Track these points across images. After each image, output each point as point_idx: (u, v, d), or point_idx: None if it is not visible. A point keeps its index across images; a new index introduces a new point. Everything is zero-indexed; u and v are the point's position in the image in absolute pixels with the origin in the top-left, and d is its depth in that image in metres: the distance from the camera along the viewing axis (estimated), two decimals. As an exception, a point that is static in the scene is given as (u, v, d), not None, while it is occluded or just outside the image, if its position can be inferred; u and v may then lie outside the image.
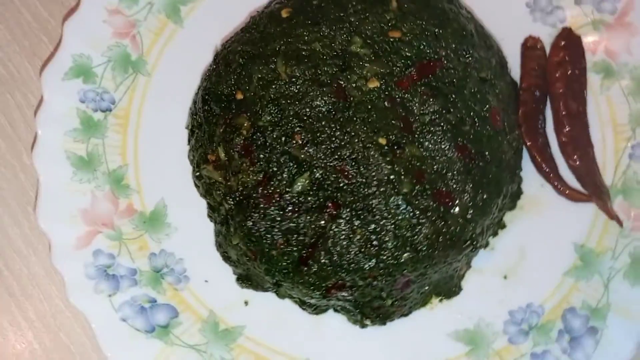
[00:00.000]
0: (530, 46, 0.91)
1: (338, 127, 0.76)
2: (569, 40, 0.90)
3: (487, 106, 0.79)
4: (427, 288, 0.80)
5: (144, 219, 0.84)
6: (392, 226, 0.74)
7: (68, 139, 0.84)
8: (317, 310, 0.82)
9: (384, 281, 0.75)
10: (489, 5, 0.91)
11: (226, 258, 0.82)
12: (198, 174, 0.82)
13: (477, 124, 0.77)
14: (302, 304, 0.81)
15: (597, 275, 0.82)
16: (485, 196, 0.76)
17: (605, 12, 0.91)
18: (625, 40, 0.90)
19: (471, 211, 0.75)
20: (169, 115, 0.87)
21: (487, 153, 0.77)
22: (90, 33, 0.87)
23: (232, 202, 0.78)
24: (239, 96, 0.79)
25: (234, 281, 0.82)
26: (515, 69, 0.90)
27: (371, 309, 0.79)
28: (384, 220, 0.74)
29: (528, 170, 0.87)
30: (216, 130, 0.80)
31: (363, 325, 0.80)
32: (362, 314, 0.79)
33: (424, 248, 0.74)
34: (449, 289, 0.82)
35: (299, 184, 0.75)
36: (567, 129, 0.87)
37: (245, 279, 0.82)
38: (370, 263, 0.74)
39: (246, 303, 0.83)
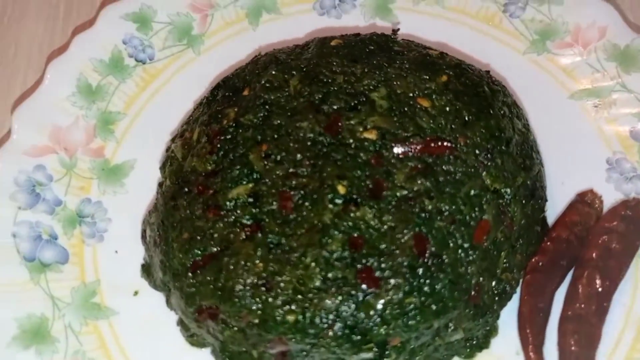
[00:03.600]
0: (586, 200, 0.75)
1: (308, 157, 0.67)
2: (634, 213, 0.73)
3: (479, 216, 0.65)
4: (310, 377, 0.65)
5: (104, 167, 0.80)
6: (296, 279, 0.61)
7: (89, 64, 0.84)
8: (193, 338, 0.70)
9: (258, 333, 0.62)
10: (570, 144, 0.80)
11: (143, 236, 0.75)
12: (169, 145, 0.78)
13: (453, 226, 0.64)
14: (182, 324, 0.70)
15: None
16: (415, 306, 0.61)
17: (694, 204, 0.73)
18: (703, 243, 0.70)
19: (393, 312, 0.60)
20: (189, 97, 0.85)
21: (446, 260, 0.62)
22: (169, -7, 0.88)
23: (174, 182, 0.71)
24: (245, 92, 0.74)
25: (139, 266, 0.74)
26: (554, 213, 0.75)
27: (238, 365, 0.65)
28: (290, 268, 0.62)
29: (510, 328, 0.69)
30: (206, 113, 0.76)
31: (221, 377, 0.66)
32: (226, 365, 0.66)
33: (316, 322, 0.60)
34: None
35: (237, 190, 0.67)
36: (579, 305, 0.69)
37: (147, 269, 0.73)
38: (251, 303, 0.61)
39: (136, 293, 0.73)
